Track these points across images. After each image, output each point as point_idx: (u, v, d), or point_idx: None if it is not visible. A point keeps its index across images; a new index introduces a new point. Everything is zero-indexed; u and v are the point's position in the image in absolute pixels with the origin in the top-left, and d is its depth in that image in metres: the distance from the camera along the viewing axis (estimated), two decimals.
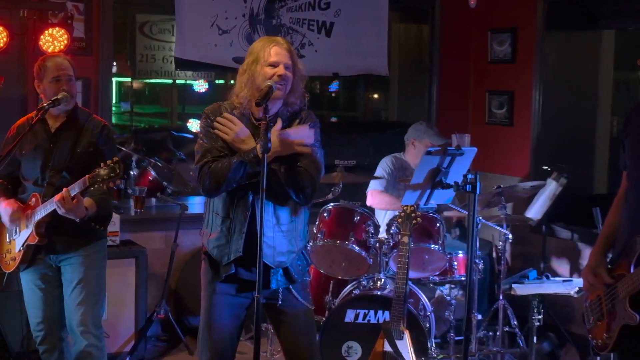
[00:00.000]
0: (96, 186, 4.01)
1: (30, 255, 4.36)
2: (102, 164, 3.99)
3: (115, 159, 3.99)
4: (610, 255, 3.58)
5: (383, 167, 6.04)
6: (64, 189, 4.09)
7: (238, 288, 3.87)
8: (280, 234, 3.84)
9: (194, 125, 10.51)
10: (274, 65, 3.75)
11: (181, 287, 6.41)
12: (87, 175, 4.01)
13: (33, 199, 4.34)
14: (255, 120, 3.82)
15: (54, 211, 4.15)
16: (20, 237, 4.38)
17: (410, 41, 8.97)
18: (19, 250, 4.37)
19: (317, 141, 3.87)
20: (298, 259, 3.95)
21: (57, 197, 4.11)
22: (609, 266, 3.50)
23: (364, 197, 5.99)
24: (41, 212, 4.25)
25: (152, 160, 6.71)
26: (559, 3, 6.82)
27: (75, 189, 4.07)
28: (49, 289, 4.44)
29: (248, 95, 3.79)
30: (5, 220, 4.42)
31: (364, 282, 5.40)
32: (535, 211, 6.10)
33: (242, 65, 3.85)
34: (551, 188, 6.03)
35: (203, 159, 3.77)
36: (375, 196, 5.90)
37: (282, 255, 3.85)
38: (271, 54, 3.77)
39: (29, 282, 4.46)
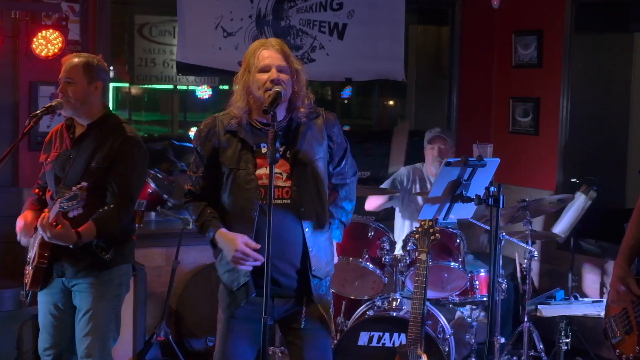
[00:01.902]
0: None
1: (41, 277, 4.24)
2: (66, 190, 3.90)
3: (80, 184, 3.87)
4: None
5: (395, 176, 6.10)
6: (44, 212, 4.02)
7: (259, 310, 3.65)
8: (322, 238, 3.87)
9: None
10: (265, 70, 3.70)
11: (182, 307, 6.42)
12: (58, 199, 3.93)
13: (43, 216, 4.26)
14: (260, 124, 3.80)
15: None
16: (32, 254, 4.31)
17: (428, 44, 9.00)
18: (30, 270, 4.28)
19: (344, 140, 4.00)
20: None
21: (39, 220, 4.02)
22: (637, 277, 3.55)
23: (379, 211, 6.02)
24: (39, 232, 4.13)
25: (152, 172, 6.72)
26: (588, 4, 6.83)
27: (52, 213, 3.96)
28: (61, 315, 4.37)
29: (244, 106, 3.76)
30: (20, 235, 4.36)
31: (379, 303, 5.40)
32: (562, 227, 6.10)
33: (237, 74, 3.83)
34: (580, 202, 6.03)
35: (186, 185, 3.93)
36: (370, 201, 6.00)
37: (329, 264, 3.89)
38: (260, 59, 3.71)
39: (42, 305, 4.40)
